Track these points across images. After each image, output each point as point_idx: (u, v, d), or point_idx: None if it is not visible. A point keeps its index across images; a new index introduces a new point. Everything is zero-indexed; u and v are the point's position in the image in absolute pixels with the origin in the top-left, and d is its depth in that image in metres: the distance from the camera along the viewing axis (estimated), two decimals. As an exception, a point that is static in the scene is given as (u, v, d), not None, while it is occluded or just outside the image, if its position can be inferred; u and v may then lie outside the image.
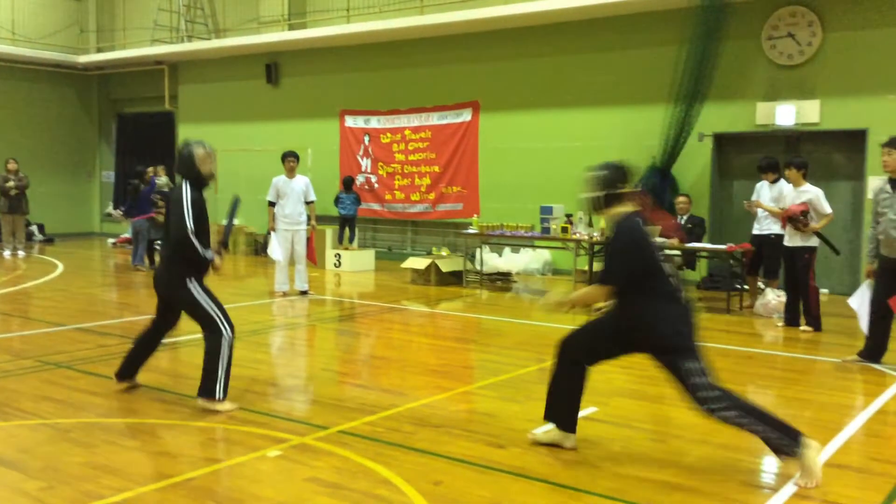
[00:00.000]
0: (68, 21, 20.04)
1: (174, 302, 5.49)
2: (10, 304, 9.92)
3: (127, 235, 17.18)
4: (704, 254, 10.54)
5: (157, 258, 13.67)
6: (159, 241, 13.64)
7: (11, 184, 15.15)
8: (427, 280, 12.05)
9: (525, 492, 3.93)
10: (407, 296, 11.00)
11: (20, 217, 15.48)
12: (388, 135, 15.50)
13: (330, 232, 14.27)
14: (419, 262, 12.30)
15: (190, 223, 5.20)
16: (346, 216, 14.17)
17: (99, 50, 20.09)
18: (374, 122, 15.68)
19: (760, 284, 10.05)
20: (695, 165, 12.21)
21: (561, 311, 4.73)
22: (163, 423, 5.00)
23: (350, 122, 16.01)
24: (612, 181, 4.52)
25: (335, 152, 16.09)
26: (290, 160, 10.55)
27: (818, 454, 4.10)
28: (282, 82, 16.99)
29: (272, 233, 10.60)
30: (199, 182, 5.39)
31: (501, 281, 12.36)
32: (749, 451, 4.60)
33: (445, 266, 12.09)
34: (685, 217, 10.42)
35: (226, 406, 5.23)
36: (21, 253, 15.30)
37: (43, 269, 13.27)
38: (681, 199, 10.58)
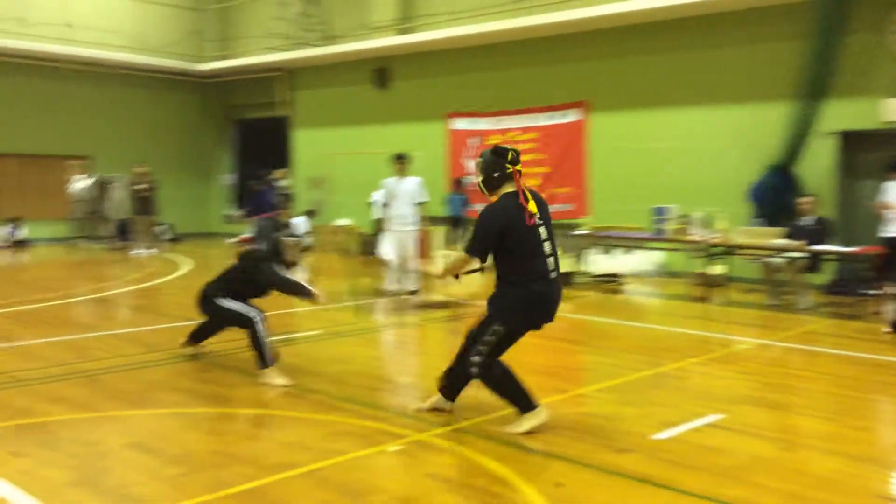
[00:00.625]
0: (189, 30, 21.00)
1: None
2: (141, 299, 10.49)
3: (246, 235, 17.87)
4: (830, 256, 10.08)
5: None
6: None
7: (141, 187, 16.02)
8: (536, 281, 11.99)
9: (649, 497, 3.87)
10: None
11: (149, 218, 16.35)
12: (496, 136, 15.53)
13: (439, 233, 14.40)
14: (528, 264, 12.24)
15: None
16: (454, 216, 14.28)
17: (218, 58, 20.97)
18: (482, 124, 15.74)
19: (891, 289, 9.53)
20: (819, 165, 11.70)
21: (441, 280, 5.41)
22: (288, 414, 5.18)
23: (457, 124, 16.13)
24: (491, 166, 4.84)
25: (443, 155, 16.24)
26: (399, 162, 10.70)
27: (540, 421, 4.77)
28: (391, 86, 17.30)
29: (383, 233, 10.80)
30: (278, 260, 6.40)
31: (612, 283, 12.18)
32: (882, 463, 4.39)
33: (555, 267, 11.99)
34: (809, 218, 10.00)
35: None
36: (150, 251, 16.14)
37: (169, 267, 13.96)
38: (805, 199, 10.15)
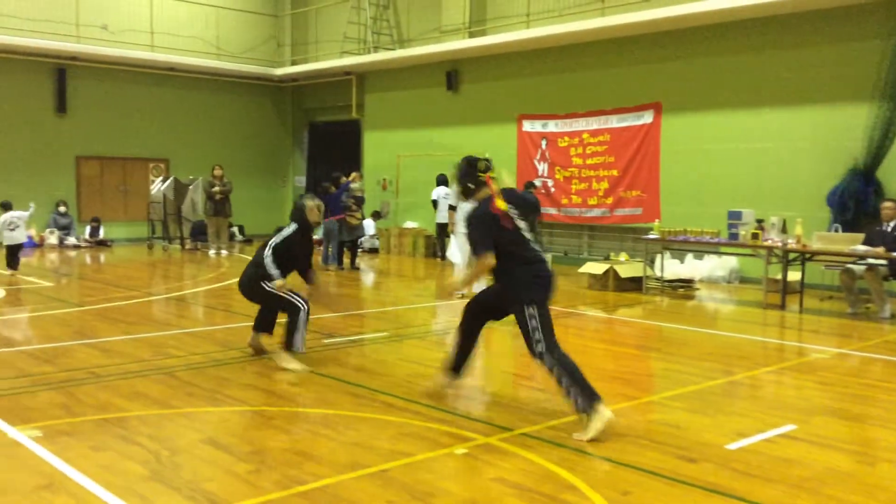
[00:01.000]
0: (266, 36, 21.49)
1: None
2: (215, 298, 10.77)
3: (318, 237, 18.17)
4: (914, 264, 9.69)
5: (346, 259, 14.36)
6: (350, 241, 14.34)
7: (217, 189, 16.45)
8: (604, 285, 11.88)
9: (719, 507, 3.79)
10: (584, 301, 10.89)
11: (224, 219, 16.77)
12: (566, 138, 15.43)
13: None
14: (596, 268, 12.15)
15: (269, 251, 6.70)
16: None
17: (293, 63, 21.40)
18: (552, 126, 15.66)
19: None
20: (902, 168, 11.27)
21: (455, 295, 5.83)
22: (356, 415, 5.25)
23: (528, 126, 16.08)
24: (466, 177, 5.30)
25: (513, 157, 16.21)
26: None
27: (604, 421, 4.77)
28: (461, 89, 17.35)
29: (452, 235, 10.83)
30: (305, 226, 6.84)
31: (684, 288, 11.96)
32: (973, 482, 4.19)
33: (624, 272, 11.86)
34: (892, 224, 9.63)
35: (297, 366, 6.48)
36: (224, 252, 16.55)
37: (243, 268, 14.26)
38: (887, 204, 9.77)
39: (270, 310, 6.95)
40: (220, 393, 5.74)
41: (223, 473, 4.17)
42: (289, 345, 6.64)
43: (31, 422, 4.93)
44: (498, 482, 4.08)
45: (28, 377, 6.10)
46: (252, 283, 6.82)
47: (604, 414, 4.79)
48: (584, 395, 4.84)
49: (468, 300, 5.61)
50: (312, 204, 6.93)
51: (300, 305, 6.69)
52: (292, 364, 6.51)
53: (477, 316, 5.51)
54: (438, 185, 15.79)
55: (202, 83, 20.44)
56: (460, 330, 5.53)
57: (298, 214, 6.90)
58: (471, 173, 5.27)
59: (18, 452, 4.42)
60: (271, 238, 6.87)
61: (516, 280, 5.05)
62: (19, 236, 12.34)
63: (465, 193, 5.35)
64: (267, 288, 6.70)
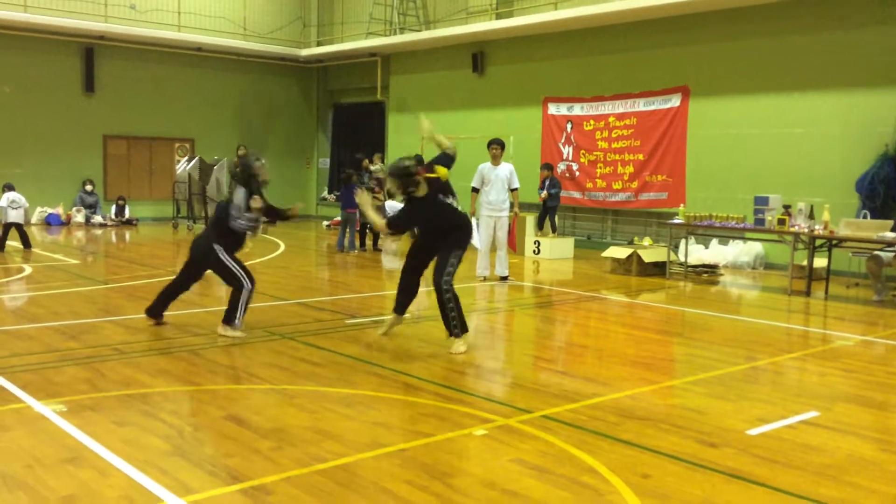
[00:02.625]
0: (292, 17, 21.48)
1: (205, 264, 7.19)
2: (239, 278, 10.83)
3: (339, 219, 18.23)
4: (943, 252, 9.54)
5: (368, 242, 14.38)
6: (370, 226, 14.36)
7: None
8: (628, 270, 11.82)
9: (740, 494, 3.76)
10: (606, 285, 10.84)
11: (248, 199, 16.81)
12: (591, 122, 15.32)
13: (530, 219, 14.29)
14: (620, 252, 12.08)
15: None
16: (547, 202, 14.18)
17: (319, 44, 21.38)
18: (578, 109, 15.55)
19: None
20: (935, 154, 11.06)
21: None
22: (377, 395, 5.27)
23: (553, 109, 15.98)
24: (405, 184, 6.38)
25: (537, 140, 16.12)
26: (494, 147, 10.65)
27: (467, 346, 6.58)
28: (487, 71, 17.26)
29: (474, 218, 10.80)
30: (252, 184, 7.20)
31: (708, 273, 11.87)
32: None
33: (648, 256, 11.78)
34: (922, 211, 9.49)
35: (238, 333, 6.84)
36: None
37: (267, 248, 14.37)
38: (917, 191, 9.63)
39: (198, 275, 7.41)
40: (242, 371, 5.79)
41: (244, 450, 4.21)
42: (228, 320, 6.88)
43: (57, 396, 5.01)
44: (517, 463, 4.09)
45: (54, 352, 6.19)
46: (207, 249, 7.01)
47: (467, 342, 6.63)
48: (462, 325, 6.55)
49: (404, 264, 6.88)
50: (261, 164, 7.36)
51: (245, 283, 6.88)
52: (230, 332, 6.85)
53: (412, 272, 6.83)
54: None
55: (228, 63, 20.50)
56: (400, 287, 6.85)
57: (245, 175, 7.21)
58: (411, 181, 6.35)
59: (44, 426, 4.49)
60: (226, 204, 7.19)
61: (463, 232, 6.64)
62: (18, 216, 12.67)
63: (407, 194, 6.47)
64: (221, 257, 6.93)
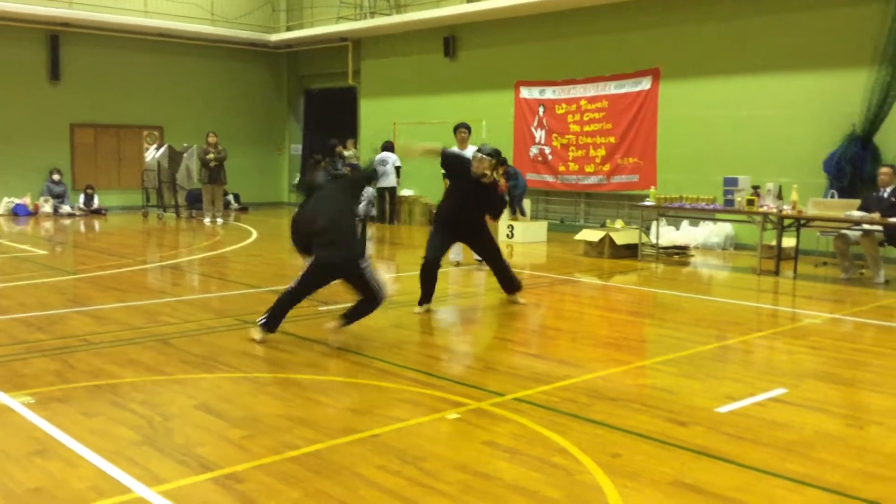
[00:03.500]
0: (261, 1, 21.23)
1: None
2: (210, 266, 10.76)
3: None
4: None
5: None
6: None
7: (211, 156, 16.37)
8: (600, 252, 11.88)
9: (709, 471, 3.81)
10: (579, 268, 10.90)
11: (219, 187, 16.71)
12: (563, 105, 15.34)
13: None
14: (592, 235, 12.14)
15: None
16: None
17: (288, 28, 21.17)
18: (550, 93, 15.55)
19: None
20: (900, 134, 11.21)
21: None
22: (350, 381, 5.27)
23: (525, 93, 15.97)
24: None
25: (510, 124, 16.12)
26: (461, 131, 10.47)
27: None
28: (459, 55, 17.20)
29: None
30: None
31: (679, 255, 11.97)
32: (961, 444, 4.22)
33: (620, 239, 11.86)
34: (888, 189, 9.60)
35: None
36: (219, 220, 16.52)
37: (239, 236, 14.27)
38: (884, 170, 9.73)
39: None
40: (213, 360, 5.75)
41: (215, 438, 4.19)
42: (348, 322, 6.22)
43: (24, 388, 4.95)
44: (489, 446, 4.11)
45: (21, 344, 6.11)
46: (358, 258, 6.22)
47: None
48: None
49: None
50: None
51: (381, 296, 6.20)
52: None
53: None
54: (384, 150, 15.90)
55: (196, 49, 20.24)
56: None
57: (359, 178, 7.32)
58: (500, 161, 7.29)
59: (11, 419, 4.44)
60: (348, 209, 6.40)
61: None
62: None
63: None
64: (368, 266, 6.22)
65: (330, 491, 3.53)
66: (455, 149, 10.14)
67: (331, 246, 6.07)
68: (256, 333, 6.26)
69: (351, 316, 6.19)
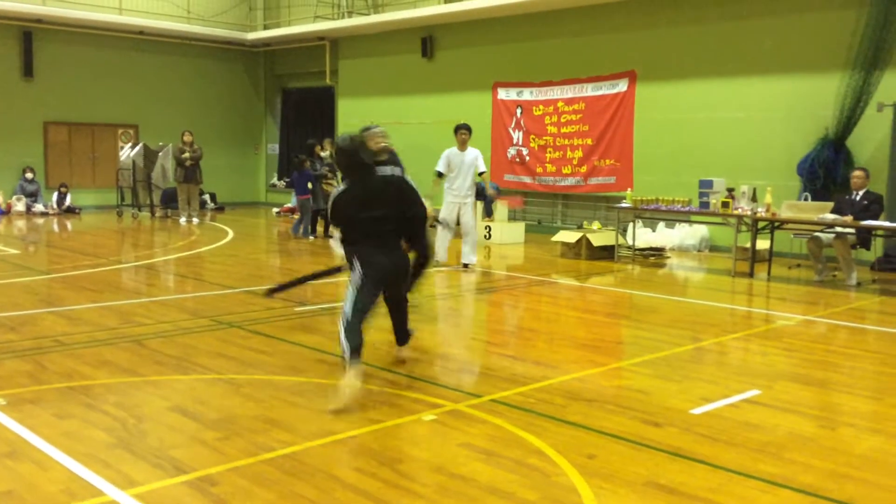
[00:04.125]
0: (238, 0, 21.10)
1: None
2: (185, 267, 10.68)
3: (290, 205, 18.07)
4: (881, 232, 9.82)
5: (319, 229, 14.26)
6: (325, 210, 14.23)
7: (187, 155, 16.24)
8: (577, 254, 11.93)
9: (683, 471, 3.84)
10: (556, 269, 10.93)
11: (195, 186, 16.58)
12: (541, 107, 15.38)
13: (480, 205, 14.28)
14: (570, 236, 12.19)
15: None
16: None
17: (265, 27, 21.06)
18: (527, 95, 15.60)
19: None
20: (873, 138, 11.37)
21: None
22: (326, 382, 5.24)
23: (503, 94, 16.00)
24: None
25: (487, 125, 16.13)
26: (462, 132, 10.38)
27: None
28: (437, 55, 17.20)
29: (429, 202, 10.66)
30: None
31: (655, 256, 12.05)
32: (929, 445, 4.29)
33: (597, 240, 11.91)
34: (860, 193, 9.73)
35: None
36: (195, 220, 16.39)
37: (215, 236, 14.17)
38: (856, 173, 9.87)
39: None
40: (188, 361, 5.70)
41: (190, 441, 4.15)
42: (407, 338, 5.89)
43: (-5, 390, 4.88)
44: (465, 447, 4.11)
45: (-7, 345, 6.03)
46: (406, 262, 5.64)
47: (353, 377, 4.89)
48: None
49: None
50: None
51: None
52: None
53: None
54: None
55: (172, 47, 20.07)
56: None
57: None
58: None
59: (-19, 421, 4.37)
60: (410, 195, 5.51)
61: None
62: None
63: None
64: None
65: (305, 493, 3.51)
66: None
67: (384, 248, 5.27)
68: (353, 378, 4.86)
69: (403, 333, 5.83)
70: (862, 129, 11.34)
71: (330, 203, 5.37)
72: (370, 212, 5.20)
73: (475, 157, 10.47)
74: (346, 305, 5.02)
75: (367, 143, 5.85)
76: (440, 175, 10.46)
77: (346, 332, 4.93)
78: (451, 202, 10.44)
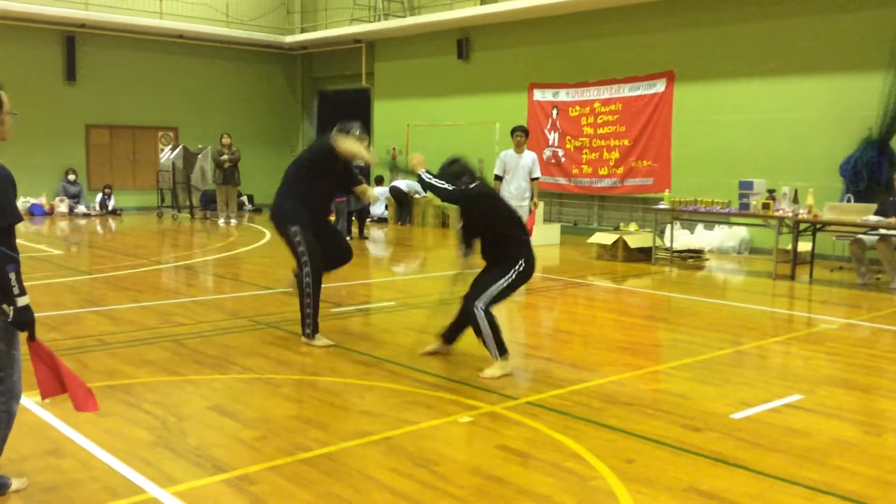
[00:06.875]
0: (275, 3, 21.30)
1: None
2: (223, 267, 10.79)
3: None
4: (926, 235, 9.59)
5: (354, 230, 14.35)
6: (357, 211, 14.31)
7: (225, 157, 16.42)
8: (614, 256, 11.84)
9: (724, 477, 3.78)
10: (592, 271, 10.86)
11: (233, 188, 16.76)
12: (577, 108, 15.29)
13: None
14: (606, 238, 12.10)
15: None
16: None
17: (303, 30, 21.22)
18: (563, 95, 15.52)
19: None
20: (917, 138, 11.12)
21: None
22: (362, 383, 5.26)
23: (538, 95, 15.94)
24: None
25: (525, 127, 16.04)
26: (518, 135, 10.27)
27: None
28: (472, 57, 17.19)
29: None
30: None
31: (693, 259, 11.90)
32: (980, 453, 4.17)
33: (633, 242, 11.81)
34: (905, 194, 9.53)
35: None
36: (233, 221, 16.57)
37: (252, 237, 14.31)
38: (900, 174, 9.68)
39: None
40: (227, 361, 5.76)
41: (229, 440, 4.19)
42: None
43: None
44: (502, 449, 4.09)
45: (37, 344, 6.13)
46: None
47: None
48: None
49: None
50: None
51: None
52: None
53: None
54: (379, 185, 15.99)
55: (211, 51, 20.33)
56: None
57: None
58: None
59: (26, 418, 4.45)
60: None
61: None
62: None
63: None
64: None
65: (342, 493, 3.52)
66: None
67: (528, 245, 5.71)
68: (498, 370, 5.46)
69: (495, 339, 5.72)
70: (907, 130, 11.09)
71: (493, 197, 5.87)
72: None
73: (531, 161, 10.35)
74: (493, 294, 5.50)
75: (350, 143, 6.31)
76: (498, 178, 10.34)
77: (490, 318, 5.46)
78: None
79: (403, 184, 16.94)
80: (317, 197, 6.42)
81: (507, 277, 5.54)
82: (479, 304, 5.48)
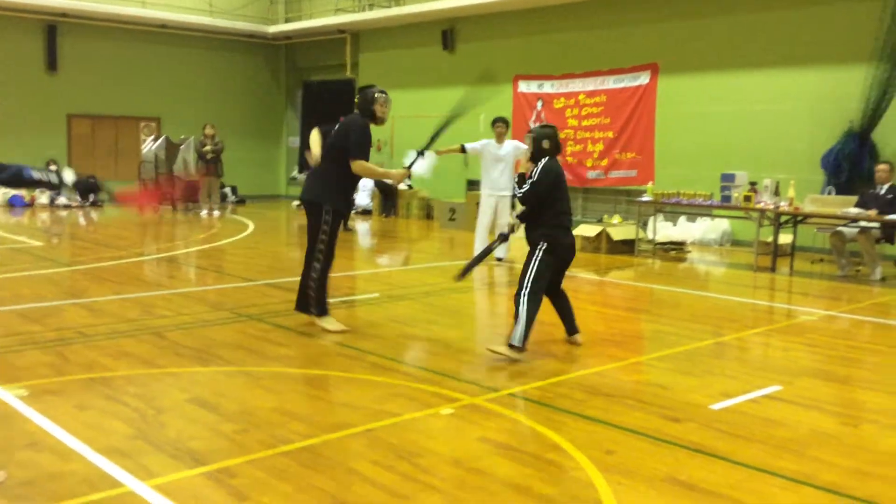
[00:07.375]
0: (259, -7, 21.18)
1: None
2: (206, 259, 10.74)
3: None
4: (906, 227, 9.68)
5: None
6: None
7: (208, 148, 16.32)
8: (597, 248, 11.87)
9: (703, 468, 3.81)
10: (576, 263, 10.75)
11: (216, 179, 16.67)
12: (562, 100, 15.30)
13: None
14: (590, 230, 12.13)
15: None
16: None
17: (287, 20, 21.10)
18: (548, 87, 15.52)
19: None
20: (898, 131, 11.21)
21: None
22: (344, 375, 5.26)
23: (523, 87, 15.93)
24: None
25: (508, 118, 16.02)
26: (498, 125, 10.13)
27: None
28: (457, 48, 17.16)
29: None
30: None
31: (676, 251, 11.96)
32: (955, 443, 4.22)
33: (617, 234, 11.84)
34: (885, 186, 9.60)
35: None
36: (216, 213, 16.49)
37: (235, 229, 14.24)
38: (881, 167, 9.73)
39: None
40: (207, 353, 5.73)
41: (209, 432, 4.17)
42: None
43: (18, 381, 4.93)
44: (483, 441, 4.10)
45: (16, 336, 6.09)
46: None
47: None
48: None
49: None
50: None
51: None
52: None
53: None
54: None
55: (194, 41, 20.18)
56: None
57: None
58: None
59: (4, 411, 4.42)
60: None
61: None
62: None
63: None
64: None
65: (323, 486, 3.52)
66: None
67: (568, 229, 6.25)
68: (506, 352, 5.67)
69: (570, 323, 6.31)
70: (888, 122, 11.18)
71: (550, 175, 5.98)
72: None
73: (514, 150, 10.12)
74: (529, 282, 5.75)
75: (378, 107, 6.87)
76: (463, 149, 10.17)
77: (531, 310, 5.67)
78: (488, 196, 10.23)
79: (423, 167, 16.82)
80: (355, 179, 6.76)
81: (534, 261, 5.85)
82: (524, 292, 5.73)
